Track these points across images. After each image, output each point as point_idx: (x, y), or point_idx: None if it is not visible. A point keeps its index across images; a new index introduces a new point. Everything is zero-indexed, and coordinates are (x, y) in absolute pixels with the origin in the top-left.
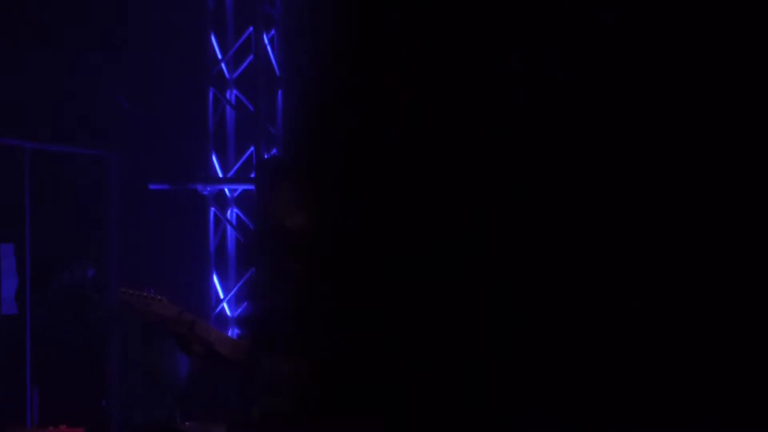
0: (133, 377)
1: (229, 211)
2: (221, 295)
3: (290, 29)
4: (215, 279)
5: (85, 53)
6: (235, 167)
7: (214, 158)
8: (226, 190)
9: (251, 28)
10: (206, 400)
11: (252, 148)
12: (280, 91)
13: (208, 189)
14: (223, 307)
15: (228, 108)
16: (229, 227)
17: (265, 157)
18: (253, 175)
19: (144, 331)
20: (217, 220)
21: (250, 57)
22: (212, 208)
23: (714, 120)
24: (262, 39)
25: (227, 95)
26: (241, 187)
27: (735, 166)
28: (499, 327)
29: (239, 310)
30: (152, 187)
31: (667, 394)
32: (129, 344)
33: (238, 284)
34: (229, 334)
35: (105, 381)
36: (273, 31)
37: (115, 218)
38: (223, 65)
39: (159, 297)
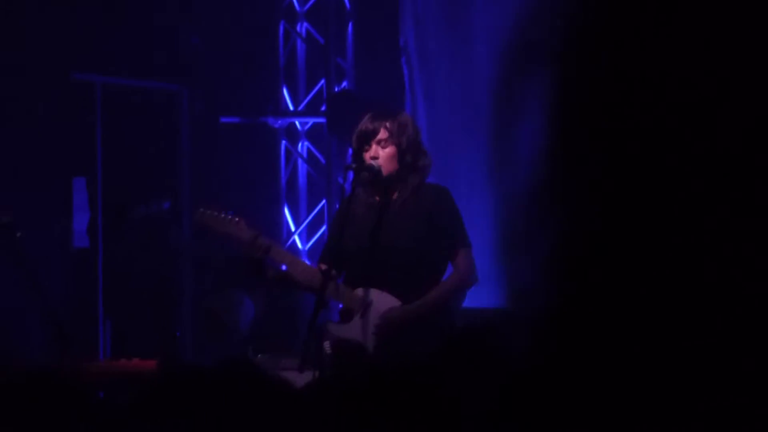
0: (204, 320)
1: (300, 144)
2: (292, 228)
3: None
4: (286, 212)
5: None
6: (306, 100)
7: (284, 91)
8: (297, 123)
9: None
10: (277, 335)
11: (322, 81)
12: (350, 24)
13: (279, 122)
14: (294, 240)
15: (298, 41)
16: (299, 160)
17: (336, 90)
18: (323, 108)
19: (216, 278)
20: (288, 153)
21: None
22: (283, 141)
23: None
24: None
25: (297, 28)
26: (311, 120)
27: None
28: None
29: (310, 242)
30: (223, 120)
31: None
32: (201, 290)
33: (309, 217)
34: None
35: (178, 314)
36: None
37: (187, 152)
38: None
39: (237, 218)
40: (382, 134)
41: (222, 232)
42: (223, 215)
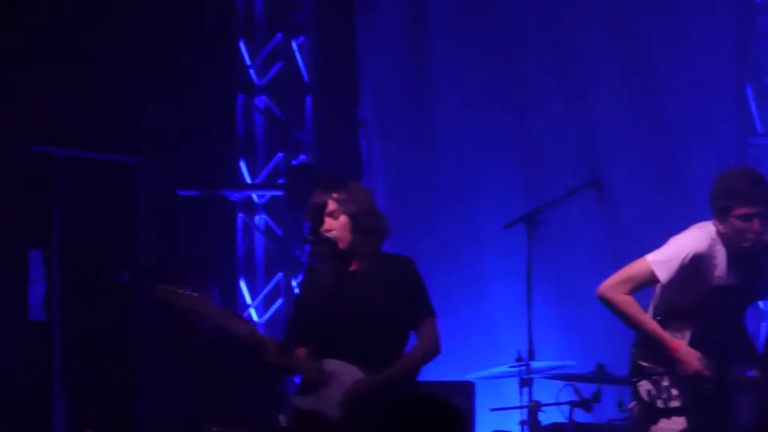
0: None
1: (257, 217)
2: (249, 301)
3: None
4: (243, 284)
5: (114, 59)
6: (263, 173)
7: (242, 164)
8: (254, 196)
9: (280, 35)
10: (233, 406)
11: (280, 154)
12: (308, 98)
13: (236, 195)
14: (249, 313)
15: (256, 114)
16: (256, 233)
17: (293, 163)
18: (281, 181)
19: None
20: (245, 226)
21: (279, 63)
22: (240, 214)
23: None
24: (291, 45)
25: (255, 101)
26: (269, 193)
27: None
28: None
29: (266, 315)
30: (181, 193)
31: None
32: (161, 349)
33: (266, 289)
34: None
35: (136, 385)
36: (302, 38)
37: (145, 224)
38: (251, 71)
39: (194, 293)
40: (331, 206)
41: (182, 307)
42: (180, 291)
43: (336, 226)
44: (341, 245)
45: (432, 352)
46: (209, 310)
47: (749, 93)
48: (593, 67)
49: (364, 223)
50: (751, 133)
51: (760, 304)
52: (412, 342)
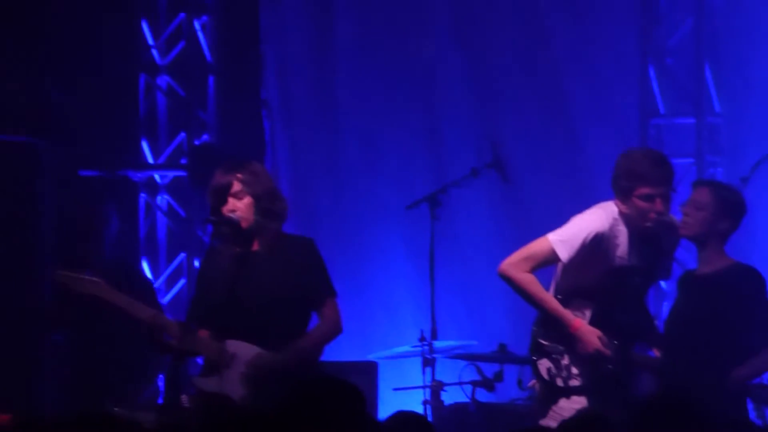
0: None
1: (159, 197)
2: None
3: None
4: (145, 265)
5: (14, 38)
6: (166, 153)
7: (144, 144)
8: (157, 177)
9: (183, 14)
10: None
11: (183, 134)
12: (211, 78)
13: (139, 175)
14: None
15: (159, 94)
16: (159, 213)
17: (196, 144)
18: (183, 162)
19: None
20: (148, 207)
21: (182, 43)
22: (142, 194)
23: None
24: (194, 25)
25: (158, 81)
26: (171, 174)
27: None
28: None
29: (169, 296)
30: (83, 173)
31: None
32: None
33: (168, 270)
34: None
35: (38, 367)
36: (204, 17)
37: (47, 205)
38: (154, 51)
39: (96, 279)
40: (236, 186)
41: (83, 292)
42: (82, 276)
43: (240, 206)
44: (244, 226)
45: (333, 331)
46: (111, 295)
47: (652, 74)
48: (496, 48)
49: (267, 206)
50: (654, 114)
51: (662, 284)
52: (314, 322)
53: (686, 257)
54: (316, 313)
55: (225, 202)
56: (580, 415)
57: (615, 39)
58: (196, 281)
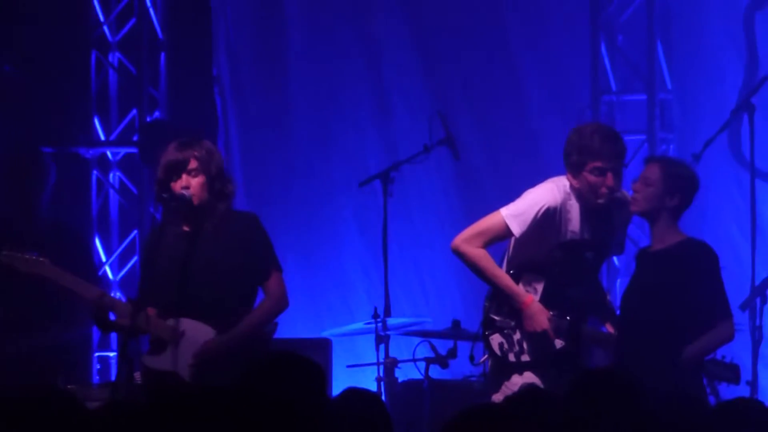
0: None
1: (111, 174)
2: (103, 258)
3: None
4: (97, 242)
5: None
6: (117, 130)
7: (96, 121)
8: (109, 153)
9: None
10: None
11: (134, 111)
12: (162, 54)
13: (90, 152)
14: (105, 270)
15: (110, 71)
16: (111, 190)
17: (148, 120)
18: (135, 138)
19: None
20: (100, 184)
21: (133, 20)
22: (94, 171)
23: None
24: (145, 1)
25: (109, 58)
26: (123, 150)
27: None
28: None
29: (121, 273)
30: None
31: None
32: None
33: (121, 247)
34: (113, 296)
35: None
36: None
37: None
38: (105, 28)
39: (41, 258)
40: (192, 164)
41: (28, 272)
42: (27, 256)
43: (194, 184)
44: (195, 203)
45: (279, 306)
46: (56, 274)
47: (603, 51)
48: (447, 25)
49: (219, 186)
50: (606, 91)
51: (615, 260)
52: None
53: (638, 234)
54: (261, 289)
55: (178, 178)
56: (525, 389)
57: (566, 15)
58: (141, 258)
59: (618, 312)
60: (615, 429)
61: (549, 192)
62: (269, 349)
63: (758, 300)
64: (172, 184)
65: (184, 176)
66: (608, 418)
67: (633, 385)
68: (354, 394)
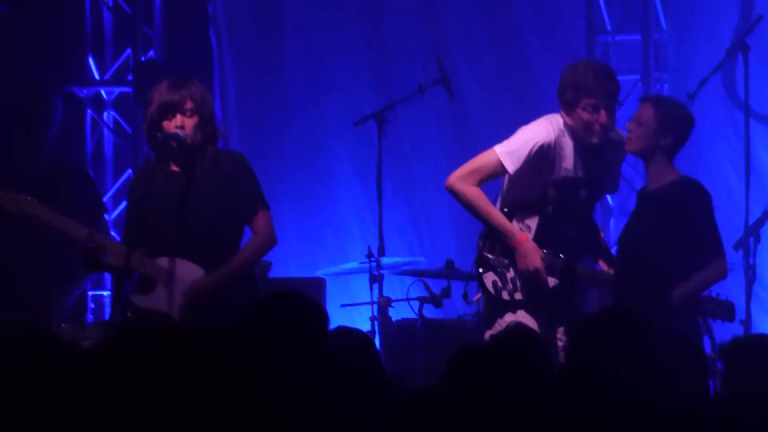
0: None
1: (105, 114)
2: None
3: None
4: None
5: None
6: (112, 69)
7: (90, 60)
8: (103, 93)
9: None
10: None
11: (129, 51)
12: None
13: (85, 91)
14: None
15: (105, 10)
16: (105, 130)
17: (142, 60)
18: (130, 78)
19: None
20: (94, 123)
21: None
22: (89, 111)
23: None
24: None
25: None
26: (118, 90)
27: None
28: None
29: (116, 212)
30: None
31: None
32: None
33: (115, 186)
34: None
35: None
36: None
37: None
38: None
39: (28, 198)
40: (188, 104)
41: (16, 211)
42: (16, 195)
43: (188, 124)
44: (188, 143)
45: (267, 244)
46: (44, 213)
47: None
48: None
49: (212, 129)
50: (600, 31)
51: (609, 200)
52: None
53: (631, 174)
54: (249, 227)
55: (173, 117)
56: (510, 328)
57: None
58: (129, 198)
59: (614, 251)
60: (629, 371)
61: (543, 129)
62: (258, 287)
63: (751, 239)
64: (165, 123)
65: (178, 116)
66: (621, 360)
67: (639, 326)
68: (343, 332)
